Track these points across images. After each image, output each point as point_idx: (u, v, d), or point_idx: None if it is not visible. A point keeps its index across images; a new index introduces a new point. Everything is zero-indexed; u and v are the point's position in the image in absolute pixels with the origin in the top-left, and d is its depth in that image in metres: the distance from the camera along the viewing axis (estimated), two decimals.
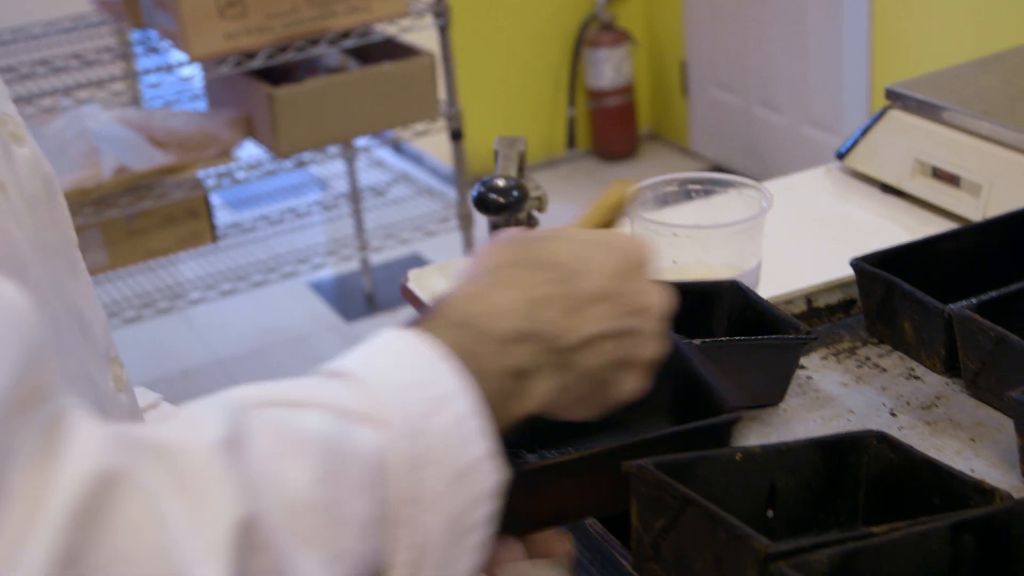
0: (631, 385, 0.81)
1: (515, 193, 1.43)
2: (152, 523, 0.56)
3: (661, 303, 0.81)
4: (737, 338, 1.15)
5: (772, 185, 1.67)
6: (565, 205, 4.14)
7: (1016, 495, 0.91)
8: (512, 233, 0.82)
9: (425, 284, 1.47)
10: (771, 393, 1.15)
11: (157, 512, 0.57)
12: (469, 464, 0.69)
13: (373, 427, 0.67)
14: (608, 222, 0.89)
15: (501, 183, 1.43)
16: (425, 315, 0.76)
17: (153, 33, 3.19)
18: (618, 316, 0.79)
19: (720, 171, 4.50)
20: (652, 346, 0.81)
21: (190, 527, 0.57)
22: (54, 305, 0.77)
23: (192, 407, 0.65)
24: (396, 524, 0.67)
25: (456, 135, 3.33)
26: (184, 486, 0.59)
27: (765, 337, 1.14)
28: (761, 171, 4.36)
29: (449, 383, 0.70)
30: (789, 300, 1.28)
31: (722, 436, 0.92)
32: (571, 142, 4.79)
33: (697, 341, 1.09)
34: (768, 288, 1.30)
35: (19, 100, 2.90)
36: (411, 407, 0.68)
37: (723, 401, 0.91)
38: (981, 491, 0.90)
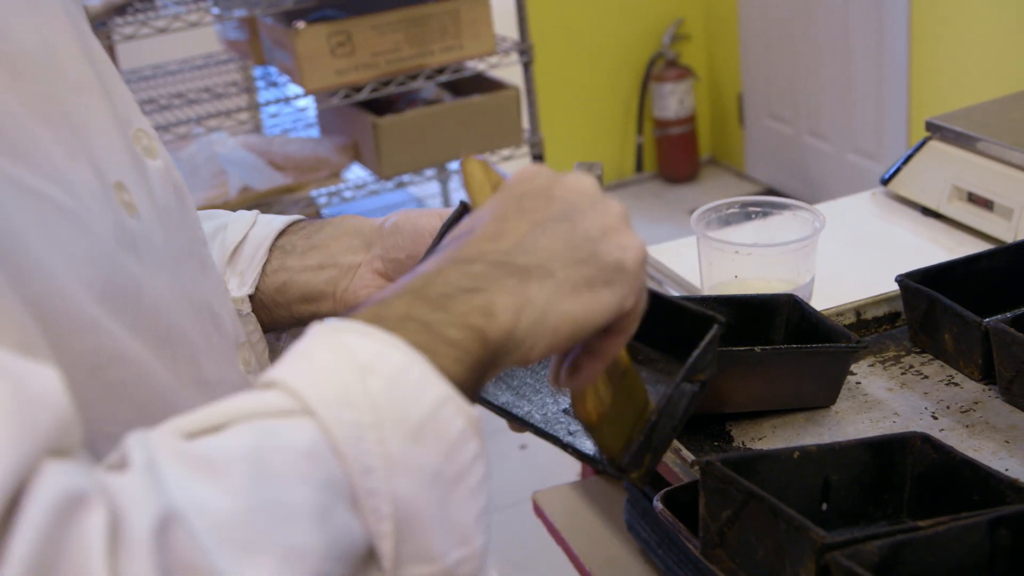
0: (619, 243, 0.69)
1: None
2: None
3: (577, 187, 0.70)
4: (794, 346, 1.14)
5: (824, 207, 1.66)
6: (632, 222, 4.13)
7: None
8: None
9: None
10: (824, 396, 1.13)
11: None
12: (424, 416, 0.59)
13: (299, 418, 0.58)
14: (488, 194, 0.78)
15: None
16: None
17: (273, 69, 3.22)
18: (539, 213, 0.68)
19: (773, 193, 4.49)
20: (596, 215, 0.70)
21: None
22: (187, 304, 0.76)
23: (126, 469, 0.55)
24: (355, 500, 0.57)
25: (537, 159, 3.33)
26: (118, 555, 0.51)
27: (819, 345, 1.12)
28: (809, 194, 4.32)
29: (370, 347, 0.60)
30: (840, 312, 1.26)
31: None
32: (639, 166, 4.78)
33: (758, 348, 1.08)
34: (821, 301, 1.29)
35: (157, 128, 2.94)
36: (329, 385, 0.58)
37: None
38: (1016, 489, 0.89)
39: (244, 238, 0.99)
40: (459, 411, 0.60)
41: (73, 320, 0.64)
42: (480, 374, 0.64)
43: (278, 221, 1.00)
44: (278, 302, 0.99)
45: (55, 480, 0.50)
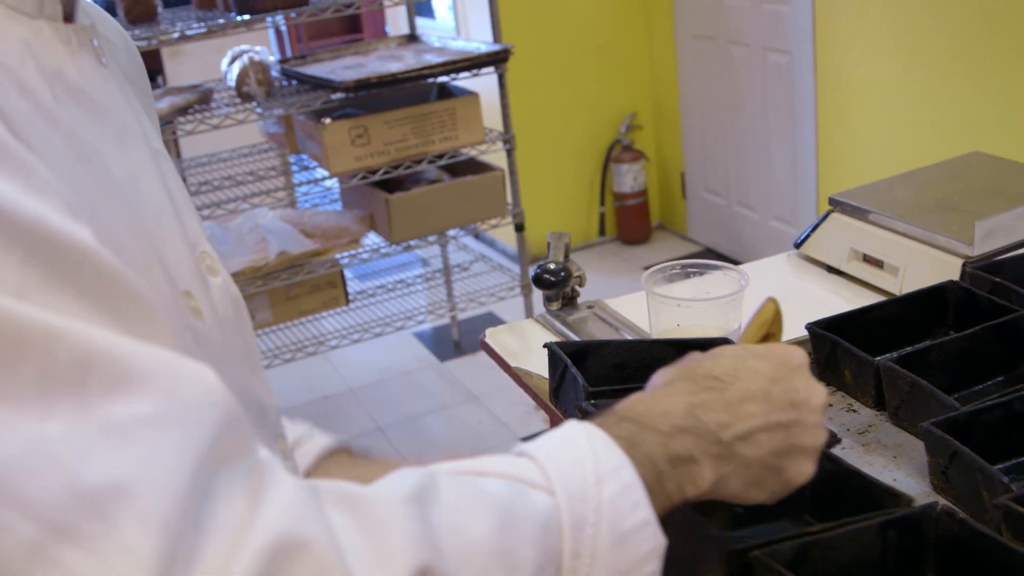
0: (800, 469, 0.71)
1: (562, 274, 1.43)
2: (335, 567, 0.49)
3: (817, 396, 0.72)
4: None
5: (748, 267, 1.66)
6: (596, 277, 4.14)
7: (926, 500, 0.89)
8: (685, 358, 0.73)
9: (498, 339, 1.47)
10: None
11: (340, 559, 0.49)
12: (631, 528, 0.60)
13: (543, 492, 0.59)
14: (764, 336, 0.79)
15: (552, 267, 1.44)
16: (601, 413, 0.68)
17: (305, 156, 3.24)
18: (773, 411, 0.69)
19: (711, 252, 4.51)
20: (813, 434, 0.71)
21: (372, 572, 0.50)
22: (240, 397, 0.71)
23: (395, 472, 0.57)
24: (559, 572, 0.58)
25: (519, 227, 3.34)
26: (371, 534, 0.51)
27: None
28: (740, 251, 4.35)
29: (612, 462, 0.62)
30: None
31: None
32: (602, 231, 4.80)
33: None
34: None
35: (212, 205, 2.96)
36: (572, 478, 0.60)
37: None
38: (892, 495, 0.88)
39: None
40: (654, 535, 0.62)
41: None
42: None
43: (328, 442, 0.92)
44: None
45: (273, 522, 0.48)
